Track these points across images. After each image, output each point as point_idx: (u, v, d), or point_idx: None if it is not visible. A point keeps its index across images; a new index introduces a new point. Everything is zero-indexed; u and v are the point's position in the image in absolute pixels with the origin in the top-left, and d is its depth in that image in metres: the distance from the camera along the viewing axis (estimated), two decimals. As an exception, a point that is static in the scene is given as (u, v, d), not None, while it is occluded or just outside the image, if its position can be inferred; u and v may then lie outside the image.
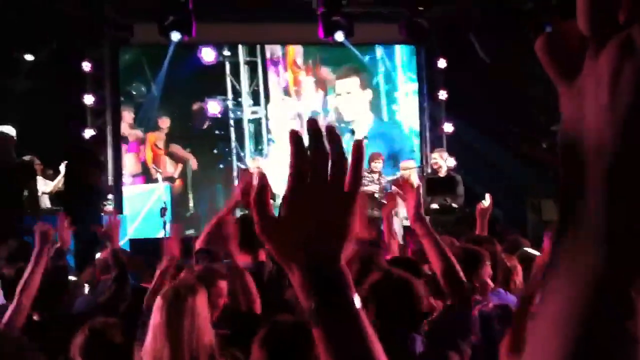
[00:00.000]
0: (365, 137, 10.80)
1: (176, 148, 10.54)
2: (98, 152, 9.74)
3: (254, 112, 10.82)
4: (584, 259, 0.46)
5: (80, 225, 5.85)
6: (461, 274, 2.35)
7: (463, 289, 2.32)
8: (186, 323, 2.44)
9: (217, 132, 10.69)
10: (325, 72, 10.96)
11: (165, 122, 10.52)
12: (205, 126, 10.63)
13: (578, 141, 0.49)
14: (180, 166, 10.47)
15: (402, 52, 11.18)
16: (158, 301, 2.50)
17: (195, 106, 10.60)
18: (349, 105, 11.02)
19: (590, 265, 0.46)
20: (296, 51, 10.96)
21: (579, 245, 0.47)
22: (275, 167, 9.42)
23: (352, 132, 10.82)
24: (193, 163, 10.54)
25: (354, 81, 11.06)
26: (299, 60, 10.97)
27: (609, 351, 0.45)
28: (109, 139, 10.01)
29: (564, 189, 0.50)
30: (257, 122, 10.82)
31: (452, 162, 9.74)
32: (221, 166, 10.71)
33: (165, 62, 10.24)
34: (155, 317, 2.46)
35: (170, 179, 10.27)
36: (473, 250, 2.92)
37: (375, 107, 11.13)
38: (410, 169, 9.11)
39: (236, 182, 10.61)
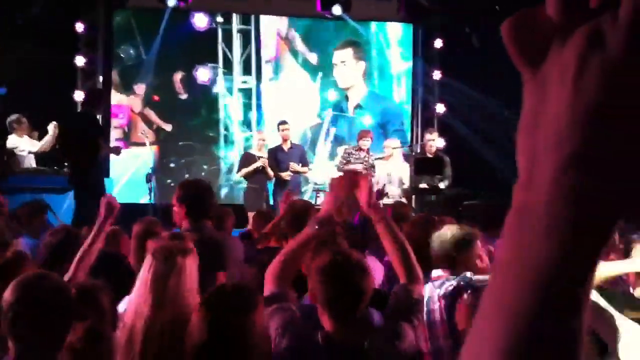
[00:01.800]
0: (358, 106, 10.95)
1: (150, 113, 10.44)
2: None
3: (244, 82, 10.74)
4: (531, 253, 0.44)
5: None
6: (414, 261, 2.40)
7: (417, 276, 2.37)
8: (172, 281, 2.48)
9: (204, 100, 10.59)
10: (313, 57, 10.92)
11: (141, 88, 10.40)
12: (189, 95, 10.52)
13: (535, 136, 0.45)
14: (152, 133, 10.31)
15: (395, 30, 11.12)
16: (148, 257, 2.55)
17: (179, 75, 10.47)
18: (343, 74, 11.03)
19: (537, 259, 0.43)
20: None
21: (526, 239, 0.44)
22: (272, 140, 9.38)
23: (347, 98, 11.03)
24: (166, 128, 10.43)
25: (348, 52, 11.05)
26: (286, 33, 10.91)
27: (552, 349, 0.43)
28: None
29: (518, 180, 0.46)
30: (246, 92, 10.75)
31: (441, 142, 9.76)
32: (211, 134, 10.64)
33: (161, 27, 10.14)
34: (144, 271, 2.52)
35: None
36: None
37: (367, 80, 11.13)
38: (394, 148, 9.10)
39: (222, 152, 10.59)
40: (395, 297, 2.27)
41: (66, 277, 2.88)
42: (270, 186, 9.02)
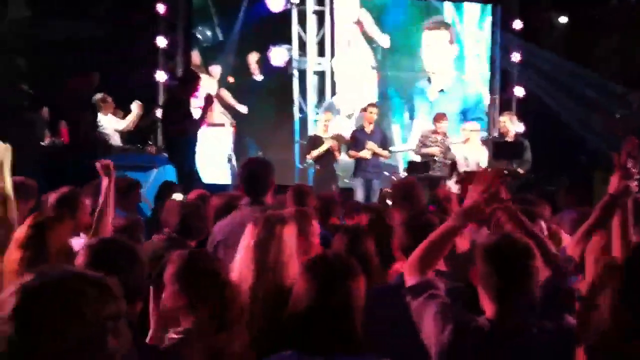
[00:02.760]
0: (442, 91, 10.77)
1: (225, 95, 10.55)
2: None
3: (318, 64, 10.71)
4: None
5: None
6: (551, 248, 2.40)
7: (556, 263, 2.36)
8: (273, 249, 2.58)
9: (279, 82, 10.61)
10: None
11: (216, 70, 10.50)
12: (263, 77, 10.58)
13: None
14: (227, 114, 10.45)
15: (473, 11, 10.84)
16: (250, 226, 2.67)
17: (254, 56, 10.53)
18: (432, 57, 10.76)
19: None
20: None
21: None
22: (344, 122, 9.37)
23: (429, 81, 10.80)
24: (242, 110, 10.53)
25: (442, 34, 10.76)
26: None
27: None
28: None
29: None
30: (320, 75, 10.73)
31: (521, 127, 9.53)
32: (285, 116, 10.68)
33: (241, 9, 10.23)
34: (246, 239, 2.64)
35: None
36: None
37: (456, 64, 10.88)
38: (472, 131, 8.93)
39: (298, 137, 10.61)
40: (546, 290, 2.22)
41: (89, 236, 3.14)
42: (337, 167, 9.06)
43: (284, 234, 2.63)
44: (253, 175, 3.62)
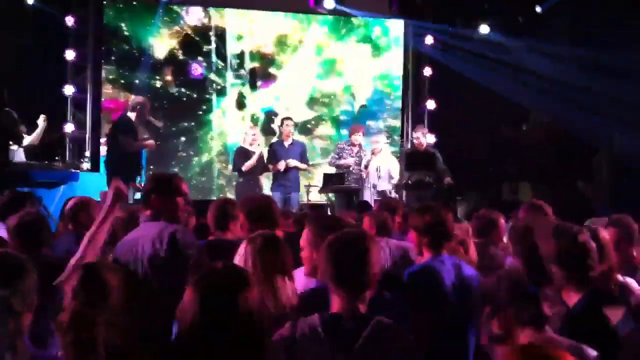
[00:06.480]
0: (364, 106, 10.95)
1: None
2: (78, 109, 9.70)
3: (237, 78, 10.69)
4: None
5: None
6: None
7: None
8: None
9: (197, 96, 10.53)
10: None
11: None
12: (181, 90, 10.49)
13: None
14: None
15: (387, 25, 11.11)
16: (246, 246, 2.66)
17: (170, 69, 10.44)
18: (353, 72, 11.02)
19: None
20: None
21: None
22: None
23: (353, 96, 10.99)
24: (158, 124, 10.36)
25: (363, 49, 11.01)
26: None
27: None
28: (89, 97, 9.84)
29: None
30: (241, 89, 10.71)
31: (432, 138, 9.80)
32: (203, 130, 10.60)
33: (156, 22, 10.14)
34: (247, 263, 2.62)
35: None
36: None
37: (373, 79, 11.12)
38: (379, 143, 9.06)
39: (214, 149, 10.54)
40: None
41: (75, 258, 2.93)
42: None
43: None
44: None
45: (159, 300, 2.67)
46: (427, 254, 3.24)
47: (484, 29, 10.34)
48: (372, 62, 11.03)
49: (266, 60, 10.78)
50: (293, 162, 8.77)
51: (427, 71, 10.79)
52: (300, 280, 2.87)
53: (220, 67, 10.57)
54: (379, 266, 2.23)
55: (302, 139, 10.04)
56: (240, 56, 10.65)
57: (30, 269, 2.13)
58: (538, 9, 10.02)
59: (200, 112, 10.55)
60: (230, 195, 9.55)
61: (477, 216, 4.37)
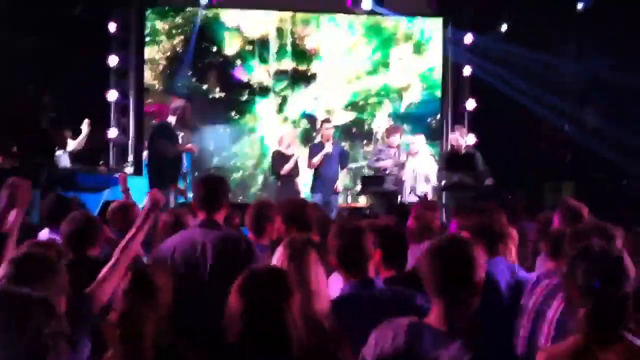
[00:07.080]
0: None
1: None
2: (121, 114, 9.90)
3: (279, 80, 10.73)
4: None
5: None
6: None
7: None
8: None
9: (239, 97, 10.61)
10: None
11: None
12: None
13: None
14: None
15: (425, 25, 11.00)
16: (280, 249, 2.61)
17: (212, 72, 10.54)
18: (399, 72, 10.93)
19: None
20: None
21: None
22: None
23: (400, 97, 10.87)
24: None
25: (406, 48, 10.91)
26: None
27: None
28: (131, 102, 10.04)
29: None
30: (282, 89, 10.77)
31: (472, 139, 9.67)
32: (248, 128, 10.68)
33: (196, 26, 10.27)
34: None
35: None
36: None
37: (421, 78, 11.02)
38: (417, 144, 8.98)
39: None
40: None
41: (108, 266, 2.91)
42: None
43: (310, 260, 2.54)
44: (208, 192, 3.48)
45: (211, 301, 2.66)
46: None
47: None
48: (412, 62, 10.91)
49: (307, 61, 10.79)
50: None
51: (467, 70, 10.63)
52: (335, 285, 2.87)
53: (262, 70, 10.63)
54: (483, 273, 2.18)
55: (342, 142, 10.05)
56: (282, 58, 10.69)
57: (62, 268, 2.20)
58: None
59: (240, 115, 10.65)
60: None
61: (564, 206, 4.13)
